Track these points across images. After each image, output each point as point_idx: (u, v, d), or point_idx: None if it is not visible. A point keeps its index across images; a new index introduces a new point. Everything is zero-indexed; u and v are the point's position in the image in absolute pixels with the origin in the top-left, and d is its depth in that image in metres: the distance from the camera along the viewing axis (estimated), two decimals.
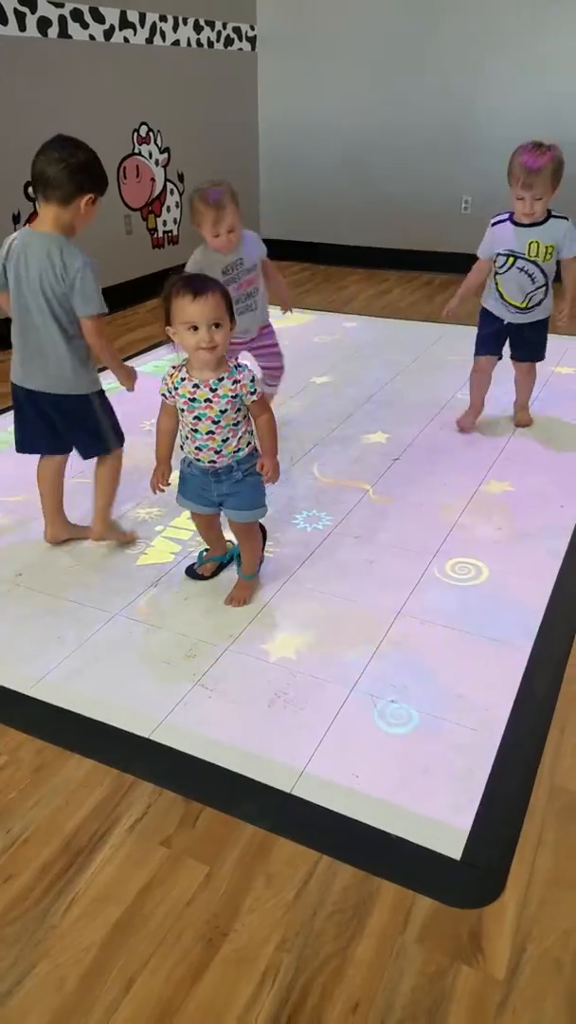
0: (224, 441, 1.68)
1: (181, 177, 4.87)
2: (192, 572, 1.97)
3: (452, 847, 1.28)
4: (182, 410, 1.67)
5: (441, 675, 1.66)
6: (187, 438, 1.71)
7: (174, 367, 1.67)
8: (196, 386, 1.64)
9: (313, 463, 2.61)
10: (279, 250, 5.53)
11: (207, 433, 1.67)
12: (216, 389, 1.64)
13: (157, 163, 4.66)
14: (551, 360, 3.50)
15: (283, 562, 2.05)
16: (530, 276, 2.56)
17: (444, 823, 1.32)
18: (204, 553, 1.99)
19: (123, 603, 1.88)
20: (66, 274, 1.76)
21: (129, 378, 2.00)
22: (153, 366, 3.53)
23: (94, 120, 4.05)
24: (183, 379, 1.65)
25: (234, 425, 1.68)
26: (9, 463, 2.61)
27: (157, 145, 4.62)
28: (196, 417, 1.66)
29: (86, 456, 2.07)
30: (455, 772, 1.42)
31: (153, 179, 4.66)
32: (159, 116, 4.57)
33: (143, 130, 4.48)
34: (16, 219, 3.72)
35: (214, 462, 1.71)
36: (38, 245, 1.78)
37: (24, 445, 2.05)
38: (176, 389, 1.66)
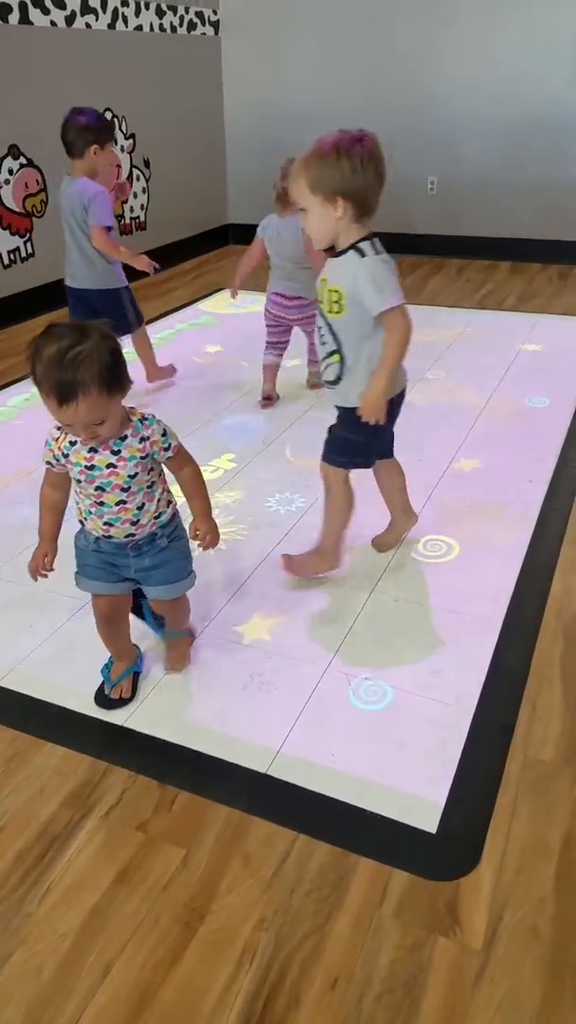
0: (140, 509, 1.32)
1: (147, 163, 4.77)
2: (105, 699, 1.49)
3: (428, 821, 1.27)
4: (78, 480, 1.30)
5: (414, 651, 1.64)
6: (90, 513, 1.32)
7: (57, 427, 1.28)
8: (93, 450, 1.26)
9: (285, 445, 2.57)
10: (248, 235, 5.44)
11: (117, 504, 1.30)
12: (119, 451, 1.26)
13: (123, 149, 4.55)
14: (518, 337, 3.49)
15: (257, 544, 2.02)
16: (320, 334, 1.66)
17: (419, 797, 1.31)
18: (109, 668, 1.51)
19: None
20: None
21: (140, 262, 2.69)
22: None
23: (58, 107, 3.92)
24: (74, 442, 1.27)
25: (148, 488, 1.32)
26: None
27: (122, 131, 4.51)
28: (98, 488, 1.28)
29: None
30: (430, 746, 1.40)
31: (119, 165, 4.55)
32: (124, 102, 4.46)
33: (107, 116, 4.36)
34: None
35: (132, 535, 1.34)
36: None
37: None
38: (66, 456, 1.28)
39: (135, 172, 4.69)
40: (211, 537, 1.41)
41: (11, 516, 2.16)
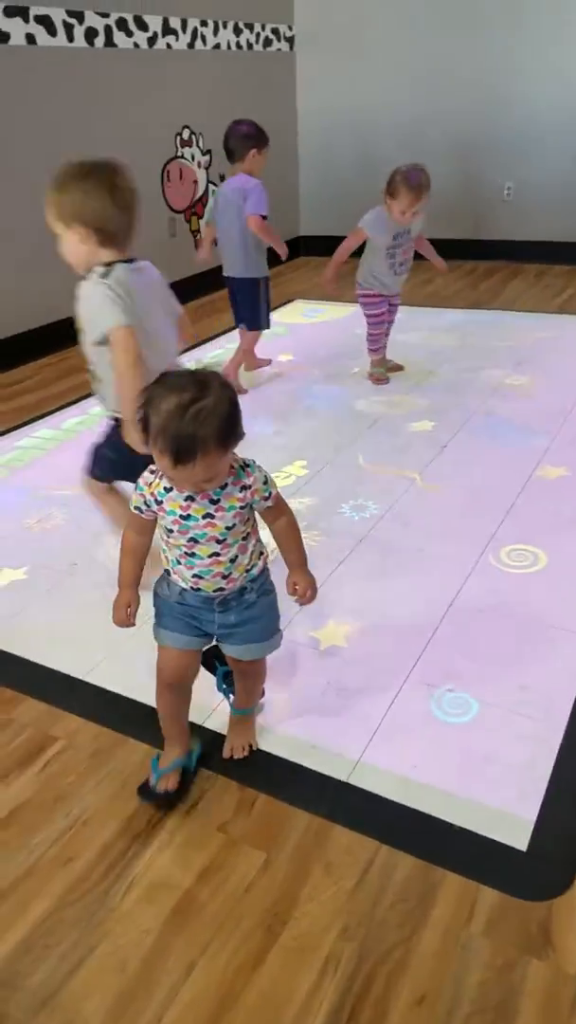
0: (233, 561, 1.20)
1: (223, 179, 4.87)
2: (149, 793, 1.31)
3: (517, 838, 1.23)
4: (169, 529, 1.18)
5: (499, 663, 1.59)
6: (178, 563, 1.21)
7: (151, 471, 1.18)
8: (190, 499, 1.15)
9: (358, 453, 2.56)
10: (320, 246, 5.49)
11: (210, 556, 1.18)
12: (218, 500, 1.15)
13: (199, 165, 4.67)
14: None
15: (329, 551, 2.01)
16: None
17: (508, 813, 1.27)
18: (157, 758, 1.35)
19: None
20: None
21: (282, 246, 3.03)
22: (196, 363, 3.53)
23: (139, 125, 4.08)
24: (168, 489, 1.16)
25: (243, 539, 1.21)
26: (65, 457, 2.64)
27: (199, 148, 4.63)
28: (192, 539, 1.17)
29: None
30: (518, 762, 1.36)
31: (195, 181, 4.66)
32: (201, 119, 4.58)
33: (185, 133, 4.49)
34: None
35: (222, 589, 1.22)
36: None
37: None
38: (159, 503, 1.17)
39: (211, 188, 4.80)
40: (310, 592, 1.29)
41: (91, 518, 2.22)
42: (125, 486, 1.76)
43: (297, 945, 1.09)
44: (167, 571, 1.25)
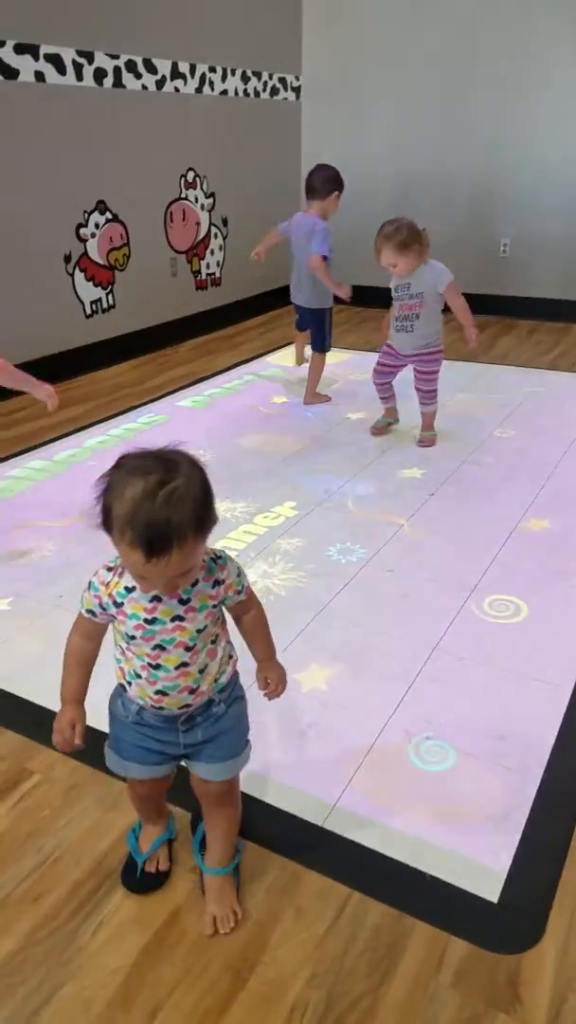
0: (202, 672, 1.07)
1: (225, 221, 5.04)
2: (138, 880, 1.24)
3: (489, 889, 1.25)
4: (131, 636, 1.03)
5: (479, 713, 1.63)
6: (137, 676, 1.06)
7: (108, 568, 1.05)
8: (156, 599, 1.01)
9: (348, 497, 2.62)
10: None
11: (178, 668, 1.04)
12: (188, 600, 1.02)
13: (203, 207, 4.83)
14: None
15: (315, 592, 2.05)
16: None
17: (481, 864, 1.29)
18: (136, 837, 1.28)
19: None
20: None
21: (343, 290, 3.32)
22: (192, 401, 3.62)
23: (144, 165, 4.23)
24: (130, 588, 1.02)
25: (212, 643, 1.08)
26: (54, 488, 2.68)
27: (203, 190, 4.80)
28: (158, 647, 1.03)
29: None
30: (493, 812, 1.38)
31: (198, 223, 4.82)
32: (206, 162, 4.75)
33: (190, 175, 4.65)
34: (67, 259, 3.88)
35: (187, 706, 1.09)
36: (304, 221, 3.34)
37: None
38: (119, 605, 1.03)
39: (213, 230, 4.95)
40: (282, 686, 1.20)
41: (79, 550, 2.26)
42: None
43: (265, 991, 1.10)
44: (122, 686, 1.11)
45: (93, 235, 3.98)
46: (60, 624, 1.92)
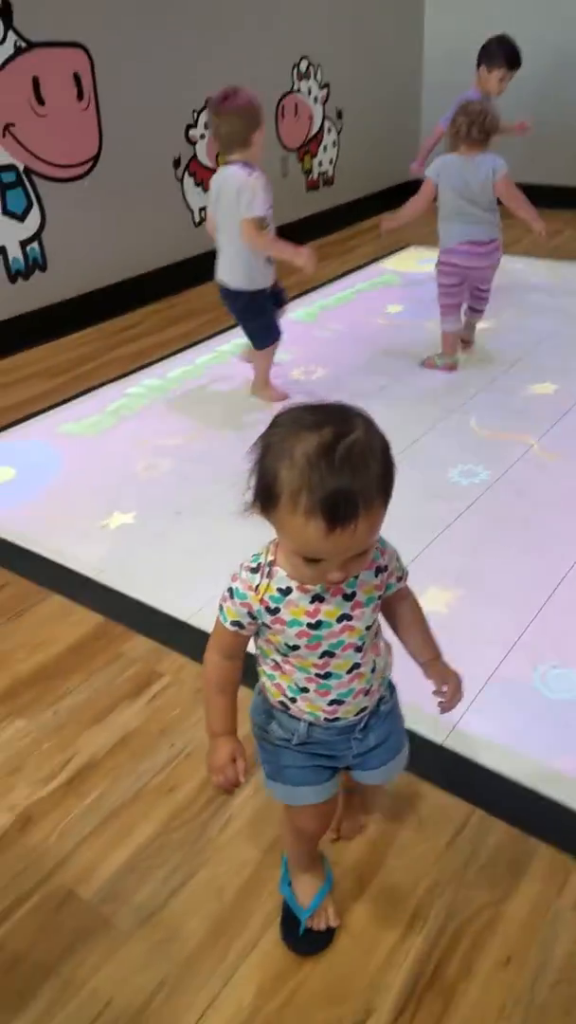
0: (374, 671, 0.95)
1: (339, 114, 4.78)
2: (305, 940, 1.11)
3: None
4: (292, 647, 0.89)
5: None
6: (302, 691, 0.93)
7: (252, 568, 0.89)
8: (318, 599, 0.87)
9: (471, 414, 2.54)
10: None
11: (350, 672, 0.92)
12: (354, 594, 0.88)
13: (316, 100, 4.59)
14: None
15: (435, 514, 2.02)
16: None
17: None
18: (291, 888, 1.15)
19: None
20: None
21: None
22: (304, 312, 3.54)
23: (255, 56, 4.03)
24: (285, 590, 0.87)
25: (375, 636, 0.96)
26: (170, 406, 2.75)
27: (317, 81, 4.55)
28: (326, 654, 0.90)
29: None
30: None
31: (311, 117, 4.60)
32: (320, 50, 4.48)
33: (303, 65, 4.41)
34: (177, 163, 3.82)
35: (364, 709, 0.97)
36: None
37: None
38: (274, 612, 0.87)
39: (326, 124, 4.72)
40: (459, 695, 1.07)
41: (194, 468, 2.33)
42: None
43: (387, 896, 1.16)
44: (276, 704, 0.96)
45: (203, 136, 3.89)
46: (181, 537, 2.02)
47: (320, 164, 4.76)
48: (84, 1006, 1.04)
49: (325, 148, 4.76)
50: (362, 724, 0.98)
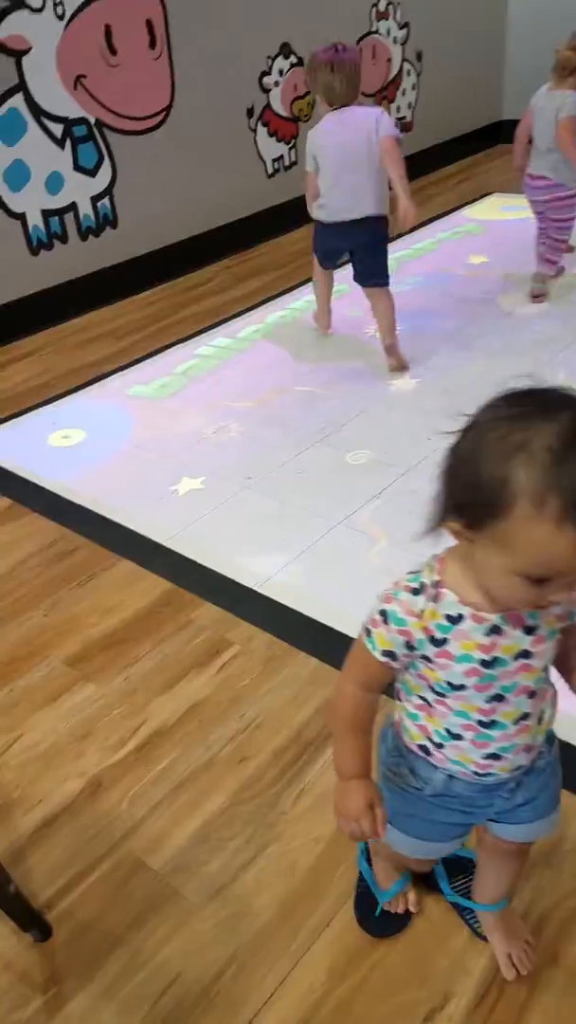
0: (541, 721, 0.81)
1: (419, 56, 4.55)
2: (376, 919, 1.06)
3: None
4: (456, 687, 0.76)
5: None
6: (453, 738, 0.80)
7: (414, 589, 0.74)
8: (495, 631, 0.73)
9: (560, 368, 2.38)
10: None
11: (517, 722, 0.78)
12: (536, 627, 0.74)
13: (395, 41, 4.37)
14: None
15: None
16: None
17: None
18: (369, 870, 1.10)
19: (346, 512, 1.88)
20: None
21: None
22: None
23: (330, 2, 3.86)
24: (455, 618, 0.72)
25: (547, 679, 0.81)
26: (239, 368, 2.70)
27: (396, 20, 4.33)
28: (496, 697, 0.76)
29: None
30: None
31: (389, 60, 4.39)
32: None
33: (382, 4, 4.20)
34: (250, 113, 3.71)
35: (521, 766, 0.83)
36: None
37: None
38: (439, 644, 0.74)
39: (406, 67, 4.50)
40: None
41: (265, 432, 2.28)
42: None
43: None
44: (417, 749, 0.84)
45: (276, 83, 3.76)
46: (251, 504, 1.98)
47: (398, 109, 4.55)
48: (152, 978, 1.03)
49: (404, 92, 4.55)
50: (513, 784, 0.84)
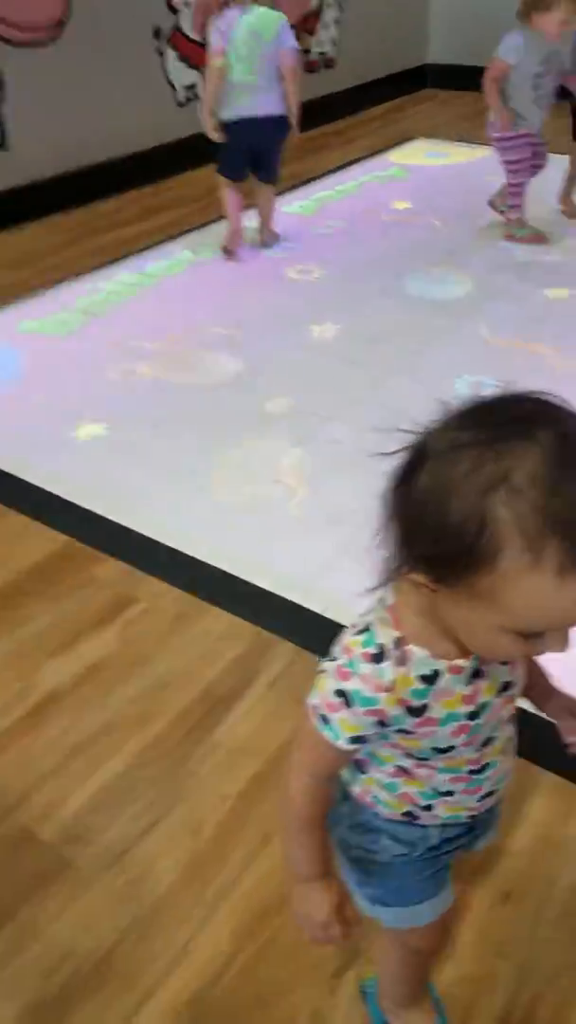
0: (511, 741, 0.73)
1: None
2: None
3: None
4: (441, 750, 0.66)
5: None
6: (442, 795, 0.71)
7: (373, 656, 0.61)
8: (476, 676, 0.63)
9: (481, 320, 2.38)
10: (449, 77, 4.97)
11: (505, 751, 0.72)
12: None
13: None
14: None
15: None
16: None
17: None
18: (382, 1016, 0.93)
19: (263, 462, 1.83)
20: None
21: None
22: (299, 206, 3.31)
23: None
24: (430, 677, 0.61)
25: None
26: (147, 306, 2.58)
27: None
28: (485, 743, 0.68)
29: None
30: None
31: None
32: None
33: None
34: (157, 34, 3.50)
35: (490, 796, 0.74)
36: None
37: None
38: (419, 711, 0.63)
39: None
40: None
41: (176, 375, 2.18)
42: None
43: None
44: (400, 817, 0.72)
45: (187, 3, 3.56)
46: (159, 452, 1.89)
47: (320, 44, 4.41)
48: (44, 953, 0.98)
49: (326, 26, 4.40)
50: (483, 815, 0.75)
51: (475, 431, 0.51)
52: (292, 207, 3.26)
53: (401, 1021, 0.90)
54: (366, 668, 0.60)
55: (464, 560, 0.50)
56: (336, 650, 0.63)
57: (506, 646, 0.55)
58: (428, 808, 0.71)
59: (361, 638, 0.61)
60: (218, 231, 3.00)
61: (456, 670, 0.61)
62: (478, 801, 0.72)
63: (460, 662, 0.61)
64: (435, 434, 0.54)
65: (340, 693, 0.61)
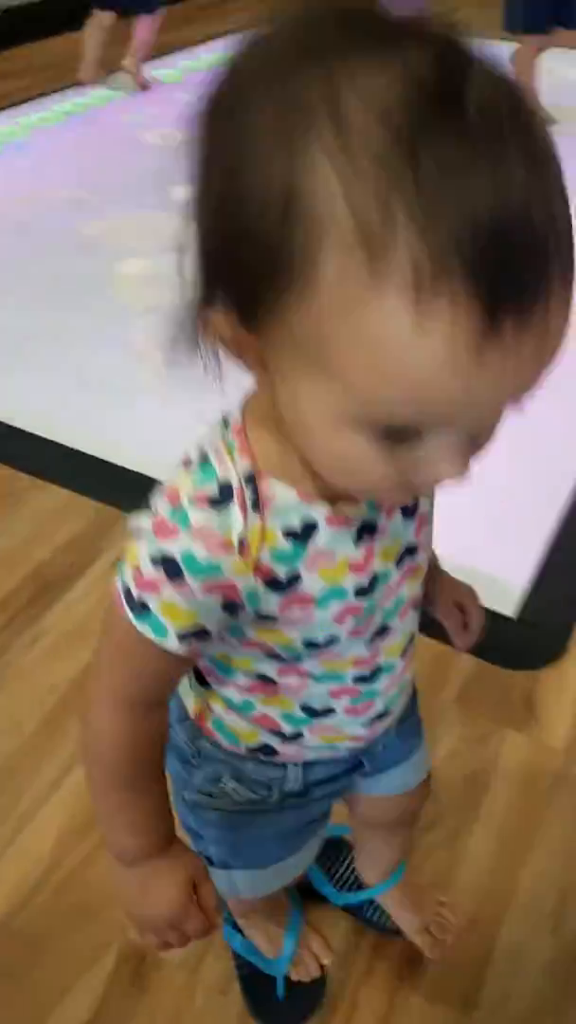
0: (412, 641, 0.54)
1: None
2: (281, 1003, 0.77)
3: (505, 604, 1.12)
4: (321, 644, 0.46)
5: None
6: (319, 715, 0.51)
7: (212, 499, 0.39)
8: (367, 531, 0.44)
9: None
10: None
11: (405, 653, 0.53)
12: (416, 505, 0.47)
13: None
14: None
15: None
16: None
17: (497, 578, 1.15)
18: (241, 934, 0.79)
19: (114, 329, 1.67)
20: None
21: None
22: (164, 73, 3.04)
23: None
24: (301, 532, 0.41)
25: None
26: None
27: None
28: (380, 632, 0.49)
29: None
30: (517, 526, 1.24)
31: None
32: None
33: None
34: None
35: (383, 718, 0.55)
36: None
37: None
38: (287, 585, 0.42)
39: None
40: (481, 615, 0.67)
41: (18, 239, 1.96)
42: None
43: None
44: (252, 752, 0.54)
45: None
46: (11, 318, 1.68)
47: None
48: None
49: None
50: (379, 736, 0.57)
51: (302, 45, 0.30)
52: (158, 71, 3.07)
53: (255, 929, 0.77)
54: (202, 517, 0.39)
55: (269, 267, 0.30)
56: (156, 499, 0.41)
57: (363, 457, 0.34)
58: (295, 738, 0.52)
59: (193, 474, 0.40)
60: (67, 96, 2.74)
61: (339, 521, 0.41)
62: (366, 726, 0.53)
63: (346, 508, 0.41)
64: (246, 51, 0.32)
65: (163, 560, 0.39)
